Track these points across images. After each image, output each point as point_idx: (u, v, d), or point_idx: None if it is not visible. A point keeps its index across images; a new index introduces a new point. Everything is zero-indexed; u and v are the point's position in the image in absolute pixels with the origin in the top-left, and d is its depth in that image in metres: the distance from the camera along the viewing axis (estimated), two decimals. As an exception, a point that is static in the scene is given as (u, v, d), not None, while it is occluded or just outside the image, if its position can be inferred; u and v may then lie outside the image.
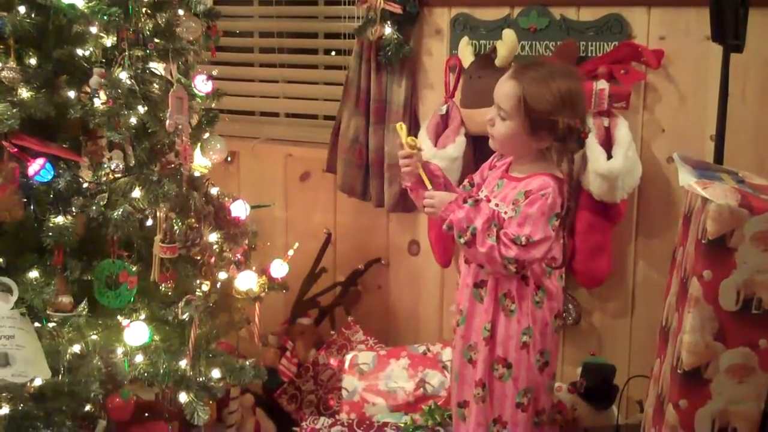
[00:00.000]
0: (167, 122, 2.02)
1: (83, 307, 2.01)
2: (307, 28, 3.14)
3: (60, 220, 1.99)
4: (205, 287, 2.15)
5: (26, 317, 2.00)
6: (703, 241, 1.70)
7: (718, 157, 2.15)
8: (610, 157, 2.38)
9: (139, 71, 2.03)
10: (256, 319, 2.42)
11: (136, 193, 2.03)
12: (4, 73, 1.93)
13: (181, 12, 2.15)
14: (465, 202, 1.92)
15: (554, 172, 1.93)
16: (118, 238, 2.03)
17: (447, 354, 2.59)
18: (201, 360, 2.18)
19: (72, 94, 2.02)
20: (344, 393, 2.60)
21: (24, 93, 1.95)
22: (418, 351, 2.67)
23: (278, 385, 2.76)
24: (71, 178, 2.03)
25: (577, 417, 2.45)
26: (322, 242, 3.00)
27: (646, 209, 2.57)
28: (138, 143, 2.05)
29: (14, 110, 1.90)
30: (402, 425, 2.44)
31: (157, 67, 2.12)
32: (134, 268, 2.08)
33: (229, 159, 3.05)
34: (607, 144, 2.41)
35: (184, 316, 2.10)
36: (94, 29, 2.00)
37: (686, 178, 1.81)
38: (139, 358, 2.09)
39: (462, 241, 1.90)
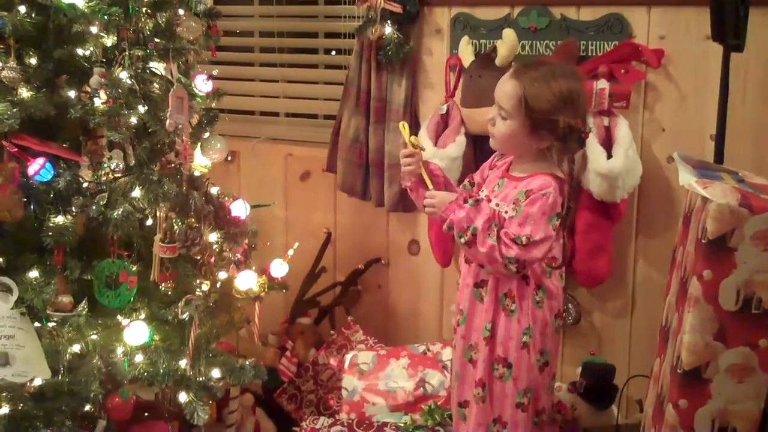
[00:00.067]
0: (167, 122, 2.02)
1: (83, 306, 2.01)
2: (308, 27, 3.14)
3: (60, 219, 1.99)
4: (205, 287, 2.15)
5: (26, 317, 2.00)
6: (703, 241, 1.70)
7: (718, 156, 2.15)
8: (610, 156, 2.37)
9: (139, 71, 2.03)
10: (256, 318, 2.42)
11: (136, 192, 2.02)
12: (5, 73, 1.93)
13: (181, 11, 2.15)
14: (465, 201, 1.92)
15: (555, 172, 1.93)
16: (118, 237, 2.03)
17: (447, 354, 2.59)
18: (201, 360, 2.18)
19: (72, 93, 2.02)
20: (344, 393, 2.59)
21: (24, 93, 1.94)
22: (418, 351, 2.67)
23: (278, 384, 2.76)
24: (71, 178, 2.02)
25: (577, 417, 2.45)
26: (322, 242, 2.99)
27: (646, 209, 2.57)
28: (138, 143, 2.05)
29: (14, 110, 1.90)
30: (402, 425, 2.44)
31: (158, 66, 2.12)
32: (134, 268, 2.08)
33: (229, 158, 3.04)
34: (608, 143, 2.41)
35: (184, 316, 2.10)
36: (94, 29, 2.00)
37: (686, 178, 1.81)
38: (139, 358, 2.09)
39: (462, 241, 1.90)
